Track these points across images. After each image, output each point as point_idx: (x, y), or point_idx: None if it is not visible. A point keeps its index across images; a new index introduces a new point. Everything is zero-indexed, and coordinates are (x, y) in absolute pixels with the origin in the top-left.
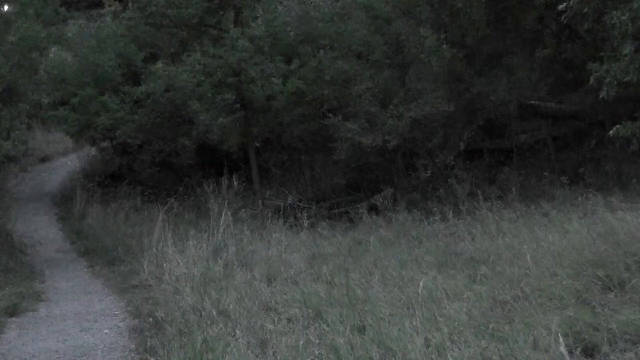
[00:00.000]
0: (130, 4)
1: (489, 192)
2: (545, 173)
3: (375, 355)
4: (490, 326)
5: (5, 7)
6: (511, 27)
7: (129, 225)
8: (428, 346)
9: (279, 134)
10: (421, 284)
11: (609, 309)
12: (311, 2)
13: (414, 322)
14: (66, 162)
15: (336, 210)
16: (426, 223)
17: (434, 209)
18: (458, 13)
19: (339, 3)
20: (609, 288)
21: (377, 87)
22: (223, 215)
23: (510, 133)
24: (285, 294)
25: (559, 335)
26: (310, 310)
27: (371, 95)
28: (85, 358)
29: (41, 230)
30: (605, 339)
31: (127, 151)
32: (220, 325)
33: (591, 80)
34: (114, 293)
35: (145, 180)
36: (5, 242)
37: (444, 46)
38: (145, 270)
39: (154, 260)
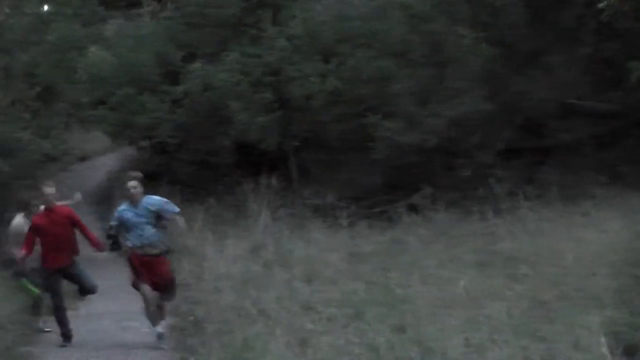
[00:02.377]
0: (168, 4)
1: (529, 191)
2: (584, 172)
3: (415, 355)
4: (531, 326)
5: (45, 7)
6: (550, 26)
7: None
8: (468, 346)
9: (318, 133)
10: (461, 283)
11: None
12: (348, 1)
13: (454, 322)
14: (105, 161)
15: (375, 210)
16: (465, 222)
17: (473, 208)
18: (496, 11)
19: (376, 2)
20: None
21: (415, 86)
22: (262, 215)
23: (550, 132)
24: (324, 293)
25: (602, 335)
26: (349, 310)
27: (409, 95)
28: (124, 357)
29: None
30: None
31: (165, 150)
32: (260, 325)
33: (632, 79)
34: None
35: (184, 179)
36: None
37: (482, 45)
38: (185, 269)
39: (194, 260)
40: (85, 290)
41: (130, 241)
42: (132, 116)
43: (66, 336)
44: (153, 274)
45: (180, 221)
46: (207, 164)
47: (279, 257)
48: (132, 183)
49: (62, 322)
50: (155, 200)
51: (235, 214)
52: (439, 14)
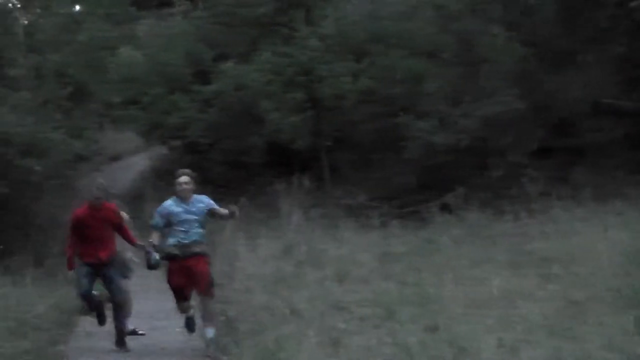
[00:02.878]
0: (200, 3)
1: (561, 191)
2: (617, 172)
3: (448, 355)
4: (564, 326)
5: (76, 7)
6: (582, 25)
7: None
8: (501, 346)
9: (349, 132)
10: (494, 283)
11: None
12: (380, 1)
13: (487, 322)
14: (137, 161)
15: (407, 210)
16: (498, 222)
17: (506, 208)
18: (529, 11)
19: (409, 1)
20: None
21: (447, 85)
22: (294, 215)
23: (582, 131)
24: (356, 293)
25: (635, 335)
26: (382, 310)
27: (442, 94)
28: (156, 356)
29: None
30: None
31: (197, 150)
32: (292, 324)
33: None
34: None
35: (216, 179)
36: None
37: (515, 44)
38: (217, 269)
39: (225, 259)
40: (113, 304)
41: (173, 238)
42: (164, 116)
43: (101, 319)
44: (192, 274)
45: (229, 210)
46: (238, 163)
47: (311, 257)
48: (184, 178)
49: (92, 305)
50: (205, 198)
51: (267, 213)
52: (472, 13)
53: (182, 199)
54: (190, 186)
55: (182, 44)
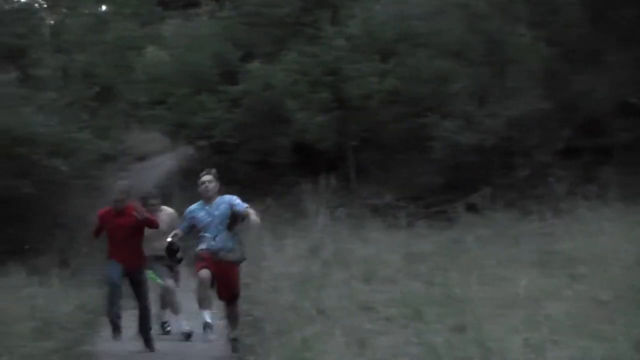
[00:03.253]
0: (226, 3)
1: (588, 190)
2: None
3: (474, 355)
4: (591, 326)
5: (103, 7)
6: (609, 24)
7: None
8: (527, 346)
9: (376, 132)
10: (520, 283)
11: None
12: (407, 1)
13: (513, 322)
14: (163, 161)
15: (433, 209)
16: (524, 222)
17: (532, 208)
18: (556, 10)
19: (435, 1)
20: None
21: (473, 85)
22: (320, 214)
23: (609, 131)
24: (383, 293)
25: None
26: (408, 310)
27: (468, 94)
28: (182, 356)
29: None
30: None
31: (223, 150)
32: (319, 324)
33: None
34: (211, 291)
35: (242, 179)
36: None
37: (541, 44)
38: (243, 269)
39: (252, 259)
40: (139, 310)
41: (203, 244)
42: (190, 116)
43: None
44: (222, 281)
45: (254, 216)
46: (265, 163)
47: (338, 257)
48: (206, 177)
49: (113, 301)
50: (227, 197)
51: (294, 213)
52: (498, 13)
53: (206, 200)
54: (213, 185)
55: (209, 44)
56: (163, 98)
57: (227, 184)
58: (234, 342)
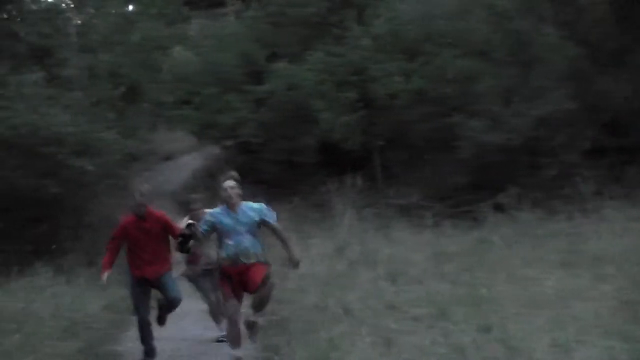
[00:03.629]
0: (252, 4)
1: (615, 190)
2: None
3: (501, 355)
4: (618, 326)
5: (129, 8)
6: (635, 24)
7: None
8: (554, 346)
9: (402, 132)
10: (547, 283)
11: None
12: (433, 1)
13: (540, 322)
14: (189, 161)
15: (460, 209)
16: (551, 222)
17: (559, 208)
18: (581, 10)
19: (461, 1)
20: None
21: (500, 85)
22: (347, 214)
23: (636, 131)
24: (409, 293)
25: None
26: (435, 310)
27: (494, 94)
28: (207, 356)
29: None
30: None
31: (250, 150)
32: (345, 324)
33: None
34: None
35: (269, 179)
36: None
37: (567, 44)
38: (269, 269)
39: (278, 260)
40: (167, 302)
41: (224, 251)
42: (217, 116)
43: (149, 354)
44: (246, 281)
45: (286, 236)
46: (291, 163)
47: (364, 257)
48: (230, 183)
49: (145, 339)
50: (256, 205)
51: (320, 213)
52: (524, 13)
53: (230, 207)
54: (237, 191)
55: (235, 44)
56: (189, 98)
57: (253, 184)
58: (251, 325)
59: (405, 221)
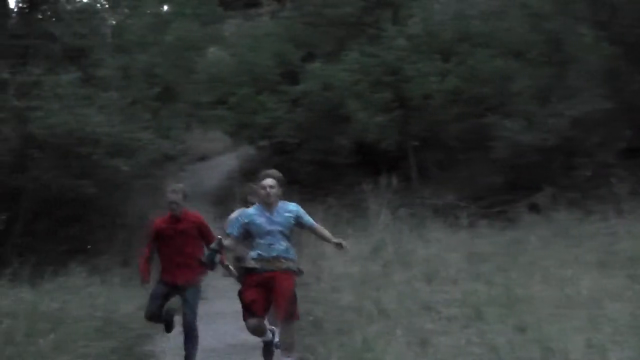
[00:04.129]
0: (287, 4)
1: None
2: None
3: (536, 356)
4: None
5: (164, 8)
6: None
7: None
8: (589, 346)
9: (437, 132)
10: (582, 283)
11: None
12: (468, 0)
13: (575, 322)
14: (224, 161)
15: (495, 209)
16: (586, 222)
17: (594, 208)
18: (616, 9)
19: (496, 1)
20: None
21: (535, 85)
22: (381, 214)
23: None
24: (444, 293)
25: None
26: (469, 310)
27: (529, 94)
28: (242, 357)
29: None
30: None
31: (284, 150)
32: (380, 324)
33: None
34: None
35: (303, 179)
36: None
37: (603, 43)
38: (304, 269)
39: (312, 259)
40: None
41: (256, 252)
42: (251, 116)
43: (167, 329)
44: (272, 289)
45: (323, 230)
46: (326, 163)
47: (399, 257)
48: (269, 181)
49: (158, 319)
50: (291, 206)
51: (355, 213)
52: (559, 12)
53: (266, 206)
54: (275, 190)
55: (270, 44)
56: (224, 98)
57: (288, 184)
58: (269, 348)
59: (440, 221)
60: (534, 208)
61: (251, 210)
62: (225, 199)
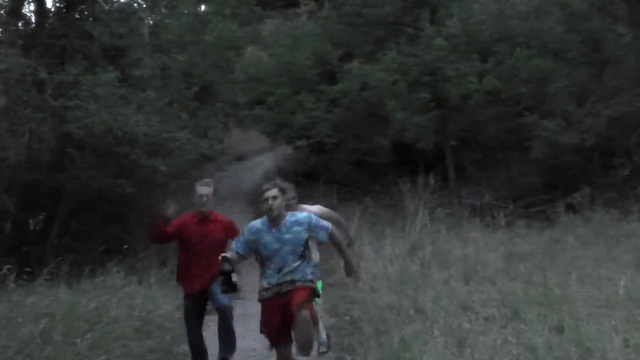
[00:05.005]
0: (326, 3)
1: None
2: None
3: (574, 355)
4: None
5: (202, 7)
6: None
7: None
8: (627, 346)
9: (475, 132)
10: (620, 283)
11: None
12: (507, 0)
13: (613, 322)
14: (262, 161)
15: (533, 209)
16: (624, 222)
17: (632, 207)
18: None
19: (535, 1)
20: None
21: (573, 85)
22: (419, 214)
23: None
24: (482, 293)
25: None
26: (507, 310)
27: (568, 94)
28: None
29: None
30: None
31: (323, 150)
32: (417, 324)
33: None
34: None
35: (341, 179)
36: None
37: None
38: (342, 269)
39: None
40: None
41: (266, 281)
42: (290, 116)
43: None
44: (289, 311)
45: (343, 244)
46: (364, 163)
47: (436, 257)
48: (271, 192)
49: (198, 355)
50: (304, 217)
51: (392, 213)
52: (598, 12)
53: (271, 221)
54: (278, 202)
55: (308, 44)
56: (262, 98)
57: (326, 184)
58: None
59: (477, 221)
60: (572, 208)
61: (258, 224)
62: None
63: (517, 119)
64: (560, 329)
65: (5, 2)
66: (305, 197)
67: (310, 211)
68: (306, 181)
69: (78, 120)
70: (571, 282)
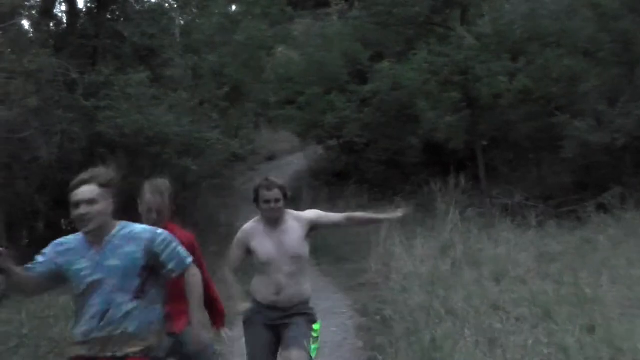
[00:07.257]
0: (356, 3)
1: None
2: None
3: (605, 356)
4: None
5: (233, 7)
6: None
7: None
8: None
9: (506, 132)
10: None
11: None
12: (538, 0)
13: None
14: (292, 160)
15: (564, 209)
16: None
17: None
18: None
19: (566, 0)
20: None
21: (604, 85)
22: (450, 214)
23: None
24: (513, 293)
25: None
26: (539, 310)
27: (598, 94)
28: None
29: None
30: None
31: (353, 150)
32: (448, 324)
33: None
34: (340, 291)
35: (372, 179)
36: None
37: None
38: (373, 269)
39: (381, 259)
40: None
41: (77, 327)
42: (320, 115)
43: None
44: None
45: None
46: (394, 163)
47: (468, 257)
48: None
49: None
50: (139, 231)
51: (423, 213)
52: (629, 12)
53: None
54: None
55: (339, 44)
56: (293, 98)
57: (357, 184)
58: None
59: (508, 221)
60: (603, 208)
61: (71, 240)
62: (293, 199)
63: (548, 118)
64: (591, 329)
65: (37, 2)
66: (336, 197)
67: (303, 218)
68: (337, 181)
69: (109, 120)
70: (603, 282)
